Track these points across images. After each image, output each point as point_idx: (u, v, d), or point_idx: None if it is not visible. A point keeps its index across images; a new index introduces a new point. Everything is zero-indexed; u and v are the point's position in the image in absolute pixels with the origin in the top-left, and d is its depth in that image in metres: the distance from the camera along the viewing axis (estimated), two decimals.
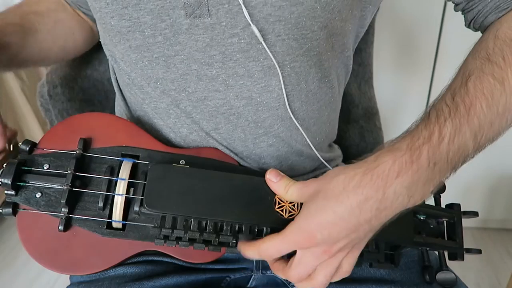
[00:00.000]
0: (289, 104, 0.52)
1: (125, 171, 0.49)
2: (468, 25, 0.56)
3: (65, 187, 0.47)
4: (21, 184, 0.48)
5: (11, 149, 0.51)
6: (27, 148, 0.50)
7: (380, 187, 0.40)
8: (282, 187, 0.46)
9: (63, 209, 0.47)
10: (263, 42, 0.47)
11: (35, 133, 1.54)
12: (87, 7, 0.62)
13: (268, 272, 0.59)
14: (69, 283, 0.57)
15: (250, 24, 0.46)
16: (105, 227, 0.49)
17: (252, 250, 0.45)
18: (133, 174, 0.50)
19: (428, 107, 0.45)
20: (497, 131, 0.44)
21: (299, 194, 0.45)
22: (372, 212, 0.41)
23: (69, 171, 0.48)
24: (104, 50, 0.57)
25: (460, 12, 0.56)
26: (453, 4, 0.55)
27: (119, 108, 0.63)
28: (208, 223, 0.46)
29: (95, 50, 0.71)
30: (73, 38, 0.65)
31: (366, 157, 0.43)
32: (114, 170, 0.50)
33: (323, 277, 0.44)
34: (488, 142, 0.45)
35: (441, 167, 0.42)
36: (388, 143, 0.44)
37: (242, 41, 0.48)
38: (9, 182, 0.46)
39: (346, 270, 0.46)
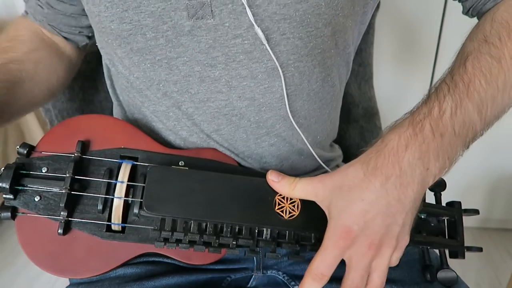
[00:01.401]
0: (290, 104, 0.52)
1: (124, 173, 0.49)
2: (465, 13, 0.57)
3: (63, 191, 0.47)
4: (20, 188, 0.48)
5: None
6: (25, 151, 0.50)
7: (395, 162, 0.41)
8: (286, 185, 0.45)
9: (62, 213, 0.47)
10: (266, 44, 0.47)
11: (35, 133, 1.53)
12: (69, 30, 0.60)
13: (268, 272, 0.59)
14: (69, 283, 0.57)
15: (254, 25, 0.46)
16: (104, 230, 0.49)
17: (306, 279, 0.43)
18: (132, 176, 0.50)
19: (429, 89, 0.46)
20: (501, 107, 0.46)
21: (313, 190, 0.44)
22: (397, 189, 0.41)
23: (67, 175, 0.48)
24: (101, 53, 0.57)
25: (457, 1, 0.57)
26: None
27: (116, 111, 0.63)
28: (208, 225, 0.46)
29: (95, 50, 0.71)
30: (56, 76, 0.61)
31: (373, 143, 0.44)
32: (113, 173, 0.50)
33: (378, 279, 0.43)
34: (494, 118, 0.46)
35: (450, 139, 0.42)
36: (391, 125, 0.45)
37: (246, 42, 0.47)
38: (7, 186, 0.46)
39: (393, 263, 0.44)
